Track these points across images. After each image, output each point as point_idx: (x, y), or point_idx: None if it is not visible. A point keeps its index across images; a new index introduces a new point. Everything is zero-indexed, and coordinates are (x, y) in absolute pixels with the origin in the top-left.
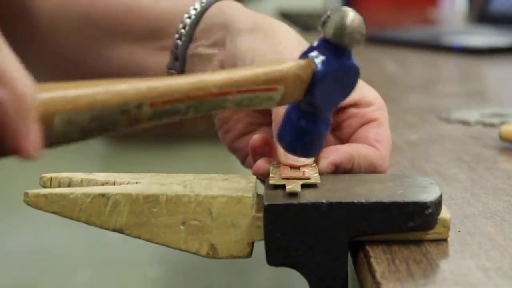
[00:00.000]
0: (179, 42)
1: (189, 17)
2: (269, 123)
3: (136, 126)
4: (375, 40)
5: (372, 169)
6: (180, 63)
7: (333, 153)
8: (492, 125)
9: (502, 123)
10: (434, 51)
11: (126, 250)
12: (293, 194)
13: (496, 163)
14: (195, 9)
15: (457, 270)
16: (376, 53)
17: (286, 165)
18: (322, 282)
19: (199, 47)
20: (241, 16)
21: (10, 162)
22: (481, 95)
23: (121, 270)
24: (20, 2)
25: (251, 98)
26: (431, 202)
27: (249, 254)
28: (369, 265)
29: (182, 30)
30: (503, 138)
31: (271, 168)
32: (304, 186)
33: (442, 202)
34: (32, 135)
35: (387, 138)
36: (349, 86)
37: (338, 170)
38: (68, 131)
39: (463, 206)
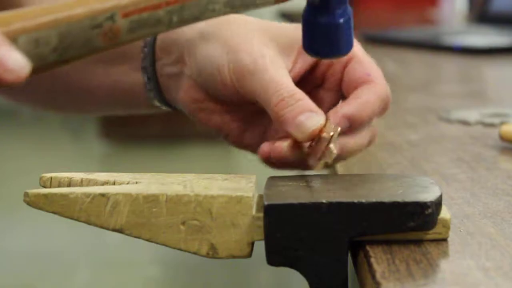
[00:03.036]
0: (145, 62)
1: None
2: (262, 112)
3: (117, 42)
4: (375, 40)
5: (384, 104)
6: (153, 83)
7: (343, 107)
8: (492, 125)
9: (502, 123)
10: (434, 51)
11: (126, 250)
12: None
13: (496, 163)
14: None
15: (457, 270)
16: (376, 53)
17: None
18: (322, 282)
19: (165, 67)
20: (187, 27)
21: (10, 162)
22: (481, 95)
23: (121, 270)
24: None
25: None
26: (431, 202)
27: (249, 254)
28: (369, 265)
29: (145, 49)
30: (503, 138)
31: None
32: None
33: (442, 202)
34: (9, 56)
35: (376, 68)
36: None
37: (354, 124)
38: (40, 52)
39: (463, 206)
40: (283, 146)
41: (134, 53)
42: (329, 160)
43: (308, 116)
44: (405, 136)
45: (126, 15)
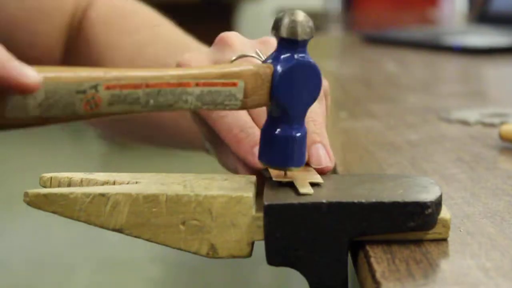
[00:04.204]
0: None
1: None
2: None
3: (96, 112)
4: (375, 40)
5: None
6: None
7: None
8: (492, 125)
9: (502, 123)
10: (434, 51)
11: (126, 250)
12: (306, 195)
13: (496, 163)
14: None
15: (457, 270)
16: (376, 53)
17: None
18: (322, 282)
19: None
20: None
21: (10, 162)
22: (481, 95)
23: (121, 270)
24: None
25: (212, 92)
26: (431, 202)
27: (249, 254)
28: (369, 265)
29: None
30: (503, 138)
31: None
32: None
33: (442, 202)
34: (23, 68)
35: (322, 111)
36: (314, 83)
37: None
38: (26, 104)
39: (463, 206)
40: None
41: None
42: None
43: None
44: (405, 136)
45: (108, 88)
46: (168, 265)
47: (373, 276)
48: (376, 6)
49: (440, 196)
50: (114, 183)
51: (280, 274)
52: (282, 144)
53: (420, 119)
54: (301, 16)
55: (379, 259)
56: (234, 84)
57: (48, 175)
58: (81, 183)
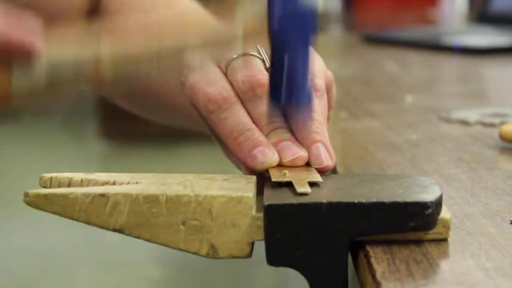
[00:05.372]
0: None
1: None
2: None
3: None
4: (375, 40)
5: (328, 85)
6: None
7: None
8: (492, 125)
9: (502, 123)
10: (434, 51)
11: (126, 250)
12: (303, 194)
13: (496, 163)
14: None
15: (457, 270)
16: (376, 53)
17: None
18: (322, 282)
19: None
20: None
21: (10, 162)
22: (481, 95)
23: (121, 270)
24: None
25: None
26: (432, 202)
27: (249, 254)
28: (369, 265)
29: None
30: (503, 138)
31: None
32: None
33: (442, 202)
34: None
35: (322, 109)
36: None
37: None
38: (30, 82)
39: (463, 206)
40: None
41: None
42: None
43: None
44: (405, 136)
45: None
46: (168, 265)
47: (373, 276)
48: (376, 6)
49: (440, 196)
50: (114, 183)
51: (280, 274)
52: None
53: (420, 119)
54: None
55: (379, 259)
56: None
57: (48, 175)
58: (81, 183)
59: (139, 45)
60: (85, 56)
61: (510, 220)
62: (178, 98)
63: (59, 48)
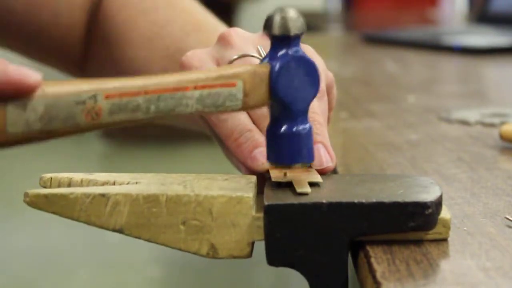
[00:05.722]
0: None
1: None
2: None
3: (99, 123)
4: (375, 40)
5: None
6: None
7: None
8: (492, 125)
9: (502, 123)
10: (434, 51)
11: (126, 250)
12: (303, 194)
13: (496, 163)
14: None
15: (457, 270)
16: (376, 53)
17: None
18: (322, 282)
19: None
20: None
21: (10, 162)
22: (481, 95)
23: (121, 270)
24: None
25: (212, 94)
26: (432, 202)
27: (249, 254)
28: (369, 265)
29: None
30: (503, 138)
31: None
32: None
33: (442, 202)
34: (23, 69)
35: (322, 110)
36: (311, 76)
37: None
38: (27, 118)
39: (463, 206)
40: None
41: None
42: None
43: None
44: (405, 136)
45: (108, 97)
46: (168, 265)
47: (373, 276)
48: (376, 6)
49: (440, 196)
50: (114, 183)
51: (280, 274)
52: (288, 141)
53: (420, 119)
54: (291, 12)
55: (379, 259)
56: (232, 84)
57: (48, 175)
58: (81, 183)
59: (137, 84)
60: (83, 93)
61: (505, 217)
62: None
63: (56, 87)
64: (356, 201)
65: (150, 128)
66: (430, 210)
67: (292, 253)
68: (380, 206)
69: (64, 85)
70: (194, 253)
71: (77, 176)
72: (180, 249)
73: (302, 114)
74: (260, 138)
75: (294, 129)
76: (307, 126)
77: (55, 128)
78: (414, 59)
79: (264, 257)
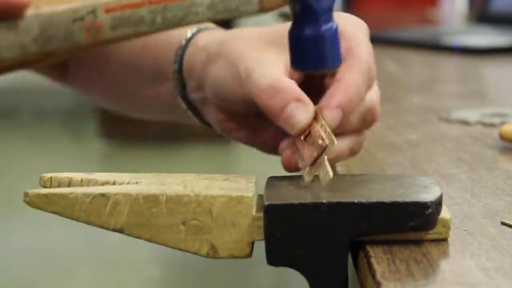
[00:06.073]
0: (178, 88)
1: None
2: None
3: (100, 39)
4: (375, 40)
5: (366, 75)
6: (191, 107)
7: (329, 99)
8: (492, 125)
9: (502, 123)
10: (434, 51)
11: (126, 250)
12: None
13: (496, 163)
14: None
15: (457, 270)
16: (376, 53)
17: (299, 135)
18: (322, 282)
19: (192, 93)
20: (198, 52)
21: (10, 162)
22: (481, 95)
23: (121, 270)
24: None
25: None
26: (432, 202)
27: (249, 254)
28: (369, 265)
29: (176, 75)
30: (503, 138)
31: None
32: (302, 185)
33: (443, 202)
34: None
35: (357, 40)
36: None
37: (346, 110)
38: (20, 40)
39: (463, 206)
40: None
41: (171, 78)
42: (322, 180)
43: (292, 108)
44: (405, 136)
45: (108, 11)
46: (168, 265)
47: (373, 276)
48: (376, 6)
49: (441, 196)
50: (114, 183)
51: (280, 274)
52: (313, 45)
53: (420, 119)
54: None
55: (379, 259)
56: None
57: (48, 175)
58: (81, 183)
59: None
60: (80, 9)
61: (501, 221)
62: (160, 91)
63: (50, 5)
64: (356, 201)
65: (150, 128)
66: (430, 210)
67: (292, 253)
68: (380, 206)
69: (60, 2)
70: (194, 253)
71: (77, 176)
72: (180, 249)
73: (326, 12)
74: (292, 91)
75: (318, 31)
76: (332, 26)
77: (53, 49)
78: (414, 59)
79: (264, 257)
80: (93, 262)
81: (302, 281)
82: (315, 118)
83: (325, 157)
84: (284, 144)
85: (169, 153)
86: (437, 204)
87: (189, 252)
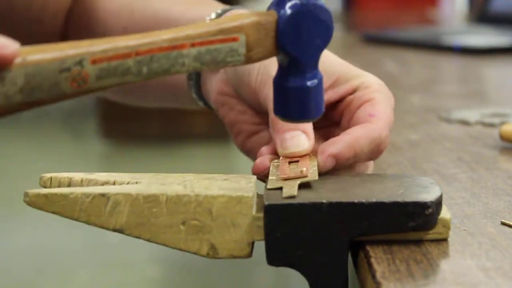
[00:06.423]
0: None
1: None
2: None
3: (86, 89)
4: (375, 40)
5: (374, 145)
6: (195, 73)
7: (330, 146)
8: (492, 125)
9: (502, 123)
10: (434, 51)
11: (126, 250)
12: (291, 197)
13: (496, 163)
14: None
15: (457, 270)
16: (376, 53)
17: (286, 157)
18: (322, 282)
19: None
20: None
21: (10, 162)
22: (481, 95)
23: (121, 270)
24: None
25: (211, 51)
26: (432, 202)
27: (249, 254)
28: (369, 265)
29: None
30: (503, 138)
31: (271, 168)
32: (302, 185)
33: (443, 202)
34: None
35: (383, 112)
36: (324, 26)
37: (341, 162)
38: (6, 91)
39: (463, 206)
40: (266, 165)
41: None
42: (283, 193)
43: (294, 135)
44: (405, 136)
45: (94, 62)
46: (168, 265)
47: (373, 276)
48: (376, 6)
49: (440, 196)
50: (114, 183)
51: (280, 274)
52: (296, 96)
53: (420, 119)
54: None
55: (379, 259)
56: (234, 39)
57: (48, 175)
58: (81, 183)
59: (127, 45)
60: (67, 59)
61: (501, 222)
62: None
63: (37, 54)
64: (356, 201)
65: (150, 128)
66: (430, 210)
67: (292, 253)
68: (380, 206)
69: (47, 51)
70: (194, 253)
71: (77, 176)
72: (180, 249)
73: (312, 66)
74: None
75: (303, 83)
76: (317, 79)
77: (37, 99)
78: (414, 59)
79: (264, 257)
80: (93, 262)
81: (302, 281)
82: (310, 153)
83: (297, 183)
84: (265, 150)
85: (169, 153)
86: (437, 204)
87: (189, 252)
